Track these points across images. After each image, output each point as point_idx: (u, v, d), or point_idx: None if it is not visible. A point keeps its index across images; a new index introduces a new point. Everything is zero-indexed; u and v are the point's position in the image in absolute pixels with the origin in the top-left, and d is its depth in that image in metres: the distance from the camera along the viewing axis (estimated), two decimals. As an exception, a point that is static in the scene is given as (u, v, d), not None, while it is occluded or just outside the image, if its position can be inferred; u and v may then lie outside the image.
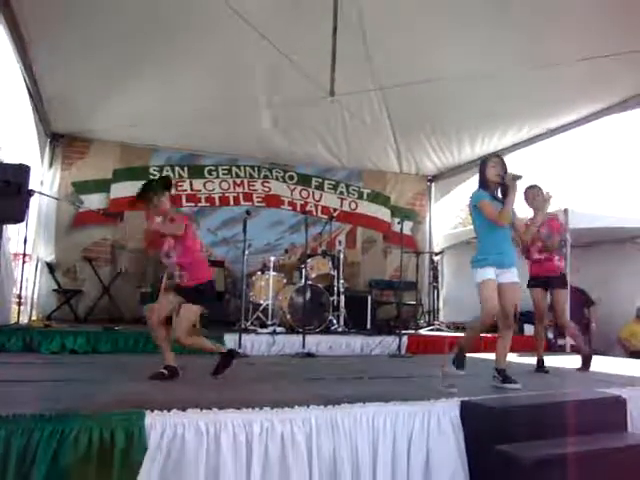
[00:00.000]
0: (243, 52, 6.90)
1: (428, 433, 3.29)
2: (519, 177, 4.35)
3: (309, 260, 8.17)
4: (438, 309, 10.34)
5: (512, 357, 6.84)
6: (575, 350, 5.96)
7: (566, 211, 7.76)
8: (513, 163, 10.04)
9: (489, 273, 4.26)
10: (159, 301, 4.42)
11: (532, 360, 5.85)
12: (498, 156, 4.67)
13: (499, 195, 4.47)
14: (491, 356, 4.55)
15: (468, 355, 4.52)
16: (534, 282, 5.83)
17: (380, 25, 6.62)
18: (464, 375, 3.98)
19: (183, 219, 4.47)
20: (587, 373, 5.53)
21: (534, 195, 5.60)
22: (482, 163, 4.60)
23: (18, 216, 6.34)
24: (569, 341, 8.07)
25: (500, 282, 4.30)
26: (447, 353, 4.64)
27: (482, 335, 8.03)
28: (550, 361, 6.04)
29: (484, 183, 4.49)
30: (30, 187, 6.45)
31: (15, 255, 7.50)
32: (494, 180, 4.42)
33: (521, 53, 6.51)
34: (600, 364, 6.24)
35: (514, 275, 4.37)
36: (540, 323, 5.93)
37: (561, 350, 7.99)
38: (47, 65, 6.91)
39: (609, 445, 3.37)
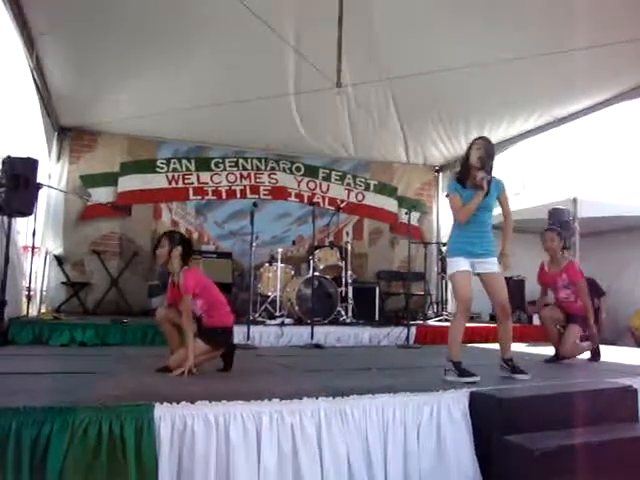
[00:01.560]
0: (249, 43, 6.86)
1: (438, 424, 3.30)
2: (489, 179, 4.15)
3: (317, 252, 8.17)
4: (446, 299, 10.30)
5: (522, 347, 6.86)
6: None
7: (575, 200, 7.73)
8: (522, 152, 10.01)
9: (460, 264, 4.15)
10: (169, 309, 4.42)
11: (541, 350, 5.83)
12: (484, 139, 4.36)
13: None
14: (498, 346, 4.50)
15: (475, 345, 4.49)
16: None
17: (387, 15, 6.56)
18: (478, 380, 3.89)
19: (188, 276, 4.28)
20: (597, 363, 5.50)
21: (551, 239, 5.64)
22: (469, 145, 4.36)
23: (26, 209, 6.38)
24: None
25: (479, 273, 4.21)
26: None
27: (490, 325, 8.07)
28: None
29: (466, 168, 4.28)
30: (38, 180, 6.49)
31: (24, 248, 7.53)
32: (475, 165, 4.21)
33: (529, 41, 6.44)
34: (610, 354, 6.22)
35: (494, 265, 4.22)
36: None
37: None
38: (55, 58, 6.92)
39: (619, 436, 3.36)
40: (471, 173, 4.24)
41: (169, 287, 4.41)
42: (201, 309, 4.34)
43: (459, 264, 4.16)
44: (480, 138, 4.36)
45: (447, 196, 4.37)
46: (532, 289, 8.96)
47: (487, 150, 4.24)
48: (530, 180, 10.70)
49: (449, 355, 4.12)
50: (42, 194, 7.25)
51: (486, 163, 4.21)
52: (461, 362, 4.06)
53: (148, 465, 2.60)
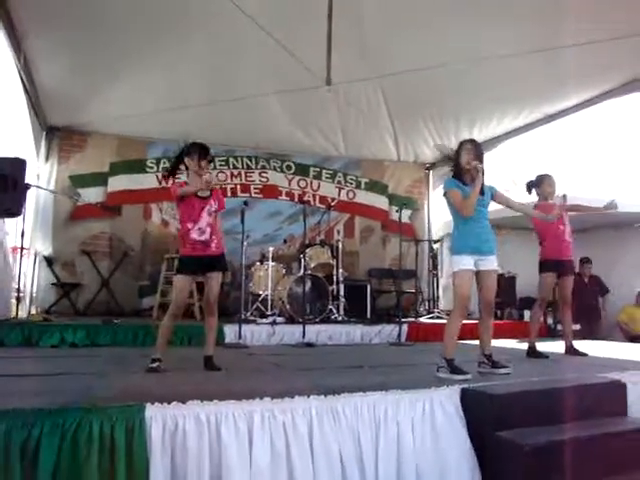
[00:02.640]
0: (239, 41, 6.86)
1: (431, 421, 3.30)
2: (480, 168, 4.21)
3: (308, 250, 8.17)
4: (438, 297, 10.33)
5: (513, 343, 6.89)
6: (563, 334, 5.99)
7: (564, 197, 7.74)
8: (512, 149, 10.04)
9: (465, 262, 4.18)
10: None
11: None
12: (473, 141, 4.45)
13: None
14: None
15: (463, 342, 4.48)
16: (548, 267, 5.77)
17: (376, 12, 6.56)
18: (470, 377, 3.92)
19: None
20: (586, 358, 5.53)
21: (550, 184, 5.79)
22: (458, 147, 4.43)
23: (15, 210, 6.35)
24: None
25: (480, 270, 4.24)
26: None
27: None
28: (550, 347, 6.06)
29: (459, 169, 4.35)
30: (27, 181, 6.45)
31: (13, 249, 7.48)
32: (465, 167, 4.28)
33: (519, 38, 6.46)
34: (600, 349, 6.26)
35: (493, 263, 4.29)
36: (541, 308, 5.96)
37: (562, 336, 7.99)
38: (42, 57, 6.87)
39: (609, 430, 3.39)
40: (464, 174, 4.31)
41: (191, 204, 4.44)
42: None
43: (464, 262, 4.19)
44: (469, 141, 4.43)
45: (445, 194, 4.37)
46: (523, 286, 9.02)
47: (476, 152, 4.31)
48: (520, 177, 10.74)
49: (443, 352, 4.15)
50: (31, 194, 7.20)
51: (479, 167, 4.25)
52: (454, 359, 4.08)
53: (139, 466, 2.59)
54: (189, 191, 4.42)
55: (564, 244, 5.76)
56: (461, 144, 4.42)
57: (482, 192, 4.24)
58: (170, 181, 4.62)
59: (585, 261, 8.91)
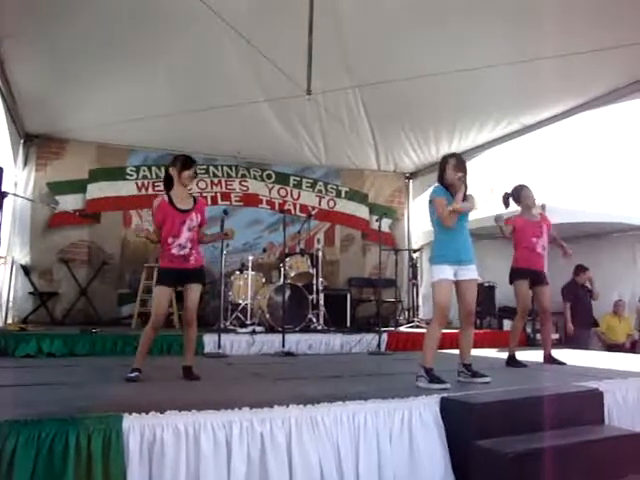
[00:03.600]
0: (219, 50, 6.86)
1: (410, 430, 3.31)
2: (463, 181, 4.28)
3: (287, 259, 8.17)
4: (417, 306, 10.37)
5: (493, 352, 6.93)
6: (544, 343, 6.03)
7: (543, 206, 7.82)
8: (491, 159, 10.13)
9: (445, 272, 4.21)
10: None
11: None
12: (455, 155, 4.53)
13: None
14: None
15: (443, 351, 4.49)
16: (520, 275, 5.77)
17: (356, 23, 6.61)
18: (449, 387, 3.92)
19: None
20: (564, 367, 5.57)
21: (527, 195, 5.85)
22: (441, 162, 4.49)
23: (-9, 218, 6.24)
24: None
25: (460, 279, 4.27)
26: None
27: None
28: (529, 355, 6.10)
29: (444, 184, 4.40)
30: (3, 189, 6.36)
31: (-11, 258, 7.39)
32: (452, 182, 4.33)
33: (499, 49, 6.54)
34: (577, 357, 6.32)
35: (474, 272, 4.32)
36: (523, 318, 5.95)
37: (539, 345, 8.05)
38: (20, 63, 6.79)
39: (587, 438, 3.42)
40: (449, 188, 4.36)
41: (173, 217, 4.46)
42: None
43: (444, 272, 4.21)
44: (451, 155, 4.50)
45: (431, 201, 4.39)
46: (503, 295, 9.07)
47: (460, 166, 4.37)
48: (498, 185, 10.83)
49: (422, 361, 4.15)
50: (8, 202, 7.11)
51: (463, 179, 4.31)
52: (432, 369, 4.08)
53: (116, 477, 2.56)
54: (150, 238, 4.70)
55: (534, 255, 5.77)
56: (445, 159, 4.46)
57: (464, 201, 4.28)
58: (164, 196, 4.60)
59: (581, 269, 8.86)
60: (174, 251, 4.42)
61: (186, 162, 4.54)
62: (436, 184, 4.47)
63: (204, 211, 4.66)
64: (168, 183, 4.62)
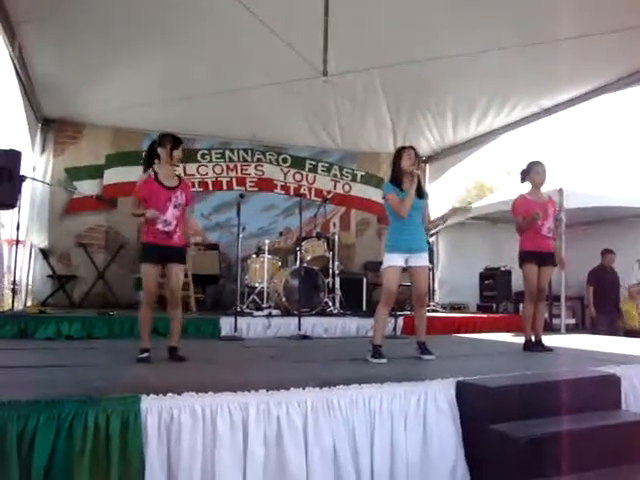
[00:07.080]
0: (234, 32, 6.81)
1: (425, 413, 3.31)
2: (417, 174, 4.70)
3: (304, 243, 8.17)
4: (434, 290, 10.34)
5: (508, 337, 6.91)
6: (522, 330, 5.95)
7: (561, 191, 7.76)
8: (507, 141, 10.05)
9: (394, 259, 4.70)
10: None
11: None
12: (412, 148, 4.86)
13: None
14: (485, 336, 4.56)
15: (459, 335, 4.60)
16: (528, 258, 5.68)
17: (375, 3, 6.53)
18: (386, 363, 4.39)
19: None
20: (581, 351, 5.52)
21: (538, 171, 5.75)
22: (396, 153, 4.87)
23: (10, 202, 6.33)
24: (564, 320, 8.16)
25: (411, 266, 4.74)
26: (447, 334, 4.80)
27: (477, 315, 8.12)
28: (545, 340, 6.07)
29: (396, 173, 4.78)
30: (22, 173, 6.42)
31: (9, 242, 7.46)
32: (407, 170, 4.72)
33: (517, 30, 6.44)
34: (594, 342, 6.28)
35: (424, 260, 4.82)
36: (531, 302, 5.80)
37: (556, 330, 8.03)
38: (37, 48, 6.81)
39: (603, 423, 3.40)
40: (402, 178, 4.77)
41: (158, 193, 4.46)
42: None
43: (393, 260, 4.72)
44: (409, 147, 4.87)
45: (384, 197, 4.81)
46: (519, 280, 9.02)
47: (415, 158, 4.76)
48: (515, 168, 10.75)
49: (372, 338, 4.72)
50: (26, 187, 7.18)
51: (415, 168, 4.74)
52: (380, 345, 4.63)
53: (134, 457, 2.59)
54: (137, 213, 4.53)
55: (539, 237, 5.64)
56: (402, 149, 4.87)
57: (421, 196, 4.76)
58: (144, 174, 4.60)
59: (607, 252, 8.75)
60: (159, 226, 4.41)
61: (175, 142, 4.57)
62: (386, 183, 4.93)
63: (189, 191, 4.68)
64: (150, 160, 4.62)
